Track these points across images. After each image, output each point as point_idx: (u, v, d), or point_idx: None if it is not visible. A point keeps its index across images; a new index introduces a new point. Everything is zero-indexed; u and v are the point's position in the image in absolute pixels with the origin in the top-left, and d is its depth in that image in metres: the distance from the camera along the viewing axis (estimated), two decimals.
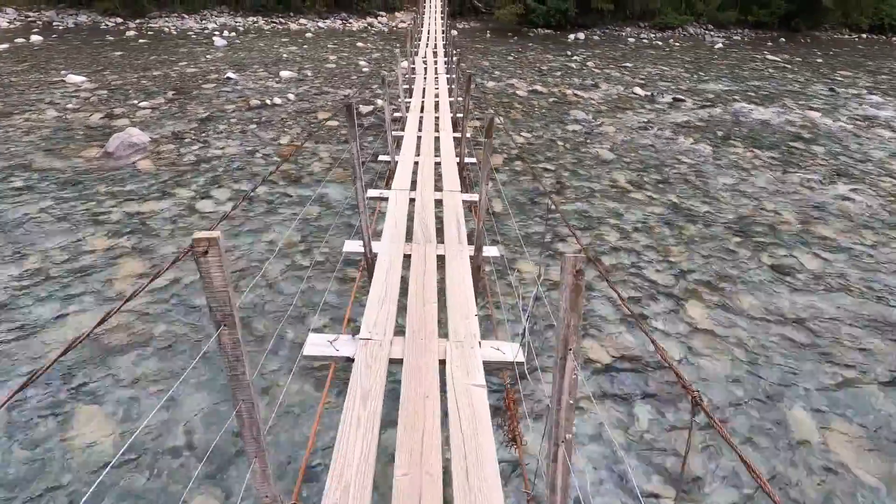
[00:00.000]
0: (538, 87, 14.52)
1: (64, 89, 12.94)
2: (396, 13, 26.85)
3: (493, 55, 19.39)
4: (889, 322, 5.69)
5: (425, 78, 11.26)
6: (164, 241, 6.65)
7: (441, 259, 3.86)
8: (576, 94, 13.99)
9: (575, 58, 19.00)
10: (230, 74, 14.44)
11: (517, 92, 14.10)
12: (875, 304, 6.00)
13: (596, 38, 23.65)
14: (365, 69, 16.15)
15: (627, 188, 8.70)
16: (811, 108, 13.56)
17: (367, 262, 3.98)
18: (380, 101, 12.49)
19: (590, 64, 17.90)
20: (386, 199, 4.86)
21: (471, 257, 3.86)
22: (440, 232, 4.49)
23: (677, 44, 22.69)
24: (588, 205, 8.07)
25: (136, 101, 12.05)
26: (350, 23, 25.11)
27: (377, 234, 4.93)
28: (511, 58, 18.95)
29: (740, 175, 9.40)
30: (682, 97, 14.02)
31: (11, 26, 22.22)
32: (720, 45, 22.38)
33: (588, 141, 10.70)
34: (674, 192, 8.64)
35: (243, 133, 10.39)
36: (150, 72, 14.88)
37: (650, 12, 25.56)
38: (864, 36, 26.43)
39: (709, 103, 13.79)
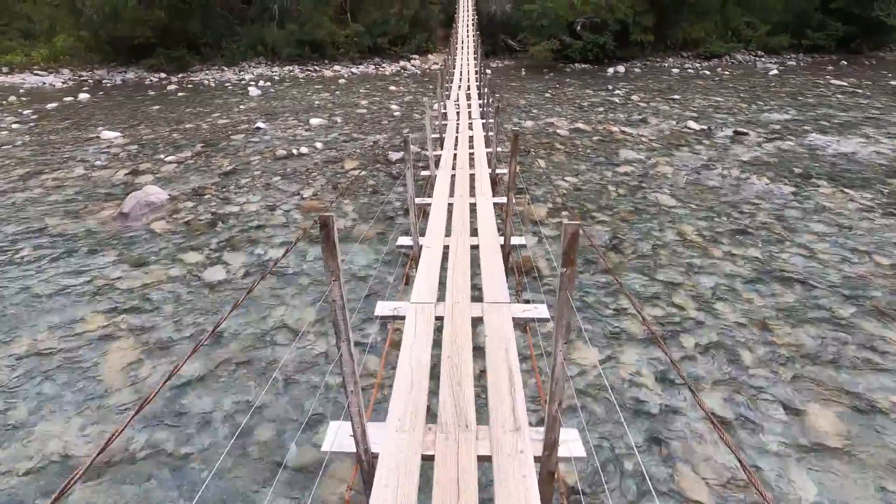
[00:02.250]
0: (580, 125, 13.49)
1: (97, 145, 12.90)
2: (429, 55, 26.81)
3: (530, 93, 18.62)
4: None
5: (458, 124, 10.38)
6: (165, 320, 5.83)
7: (486, 462, 2.37)
8: (622, 132, 12.85)
9: (617, 92, 17.96)
10: (260, 124, 14.16)
11: (558, 131, 13.10)
12: None
13: (637, 70, 22.59)
14: (396, 113, 15.63)
15: (699, 242, 7.37)
16: None
17: (362, 467, 2.51)
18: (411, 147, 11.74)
19: (634, 98, 16.79)
20: (402, 319, 3.43)
21: (537, 459, 2.33)
22: (481, 396, 2.92)
23: (726, 72, 21.30)
24: (654, 264, 6.78)
25: (163, 156, 11.76)
26: (383, 67, 25.15)
27: (383, 394, 3.57)
28: (548, 95, 18.11)
29: (834, 222, 7.89)
30: (744, 130, 12.63)
31: (64, 86, 23.35)
32: (775, 71, 20.84)
33: (644, 184, 9.47)
34: (756, 245, 7.24)
35: (266, 187, 9.75)
36: (183, 125, 14.82)
37: (693, 42, 24.39)
38: None
39: (776, 136, 12.33)
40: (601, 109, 15.47)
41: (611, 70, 22.77)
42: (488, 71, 14.40)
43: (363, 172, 10.42)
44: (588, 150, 11.50)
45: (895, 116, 13.80)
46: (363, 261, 6.78)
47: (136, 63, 25.28)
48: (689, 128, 13.07)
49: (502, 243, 4.41)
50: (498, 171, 6.91)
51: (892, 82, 18.52)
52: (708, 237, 7.49)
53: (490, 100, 9.60)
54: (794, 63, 22.64)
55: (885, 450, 4.12)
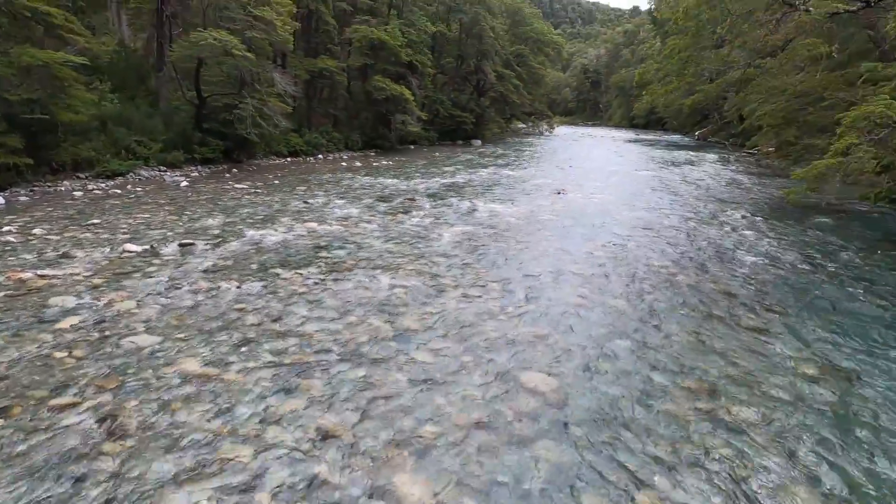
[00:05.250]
0: None
1: None
2: None
3: None
4: None
5: None
6: None
7: None
8: (41, 276, 9.81)
9: (7, 228, 13.71)
10: None
11: None
12: None
13: (24, 199, 18.21)
14: None
15: (211, 373, 6.39)
16: (308, 221, 15.07)
17: None
18: None
19: (37, 231, 13.26)
20: None
21: None
22: None
23: (139, 188, 20.69)
24: (177, 437, 5.27)
25: None
26: None
27: None
28: None
29: (311, 308, 8.81)
30: (189, 241, 12.47)
31: None
32: (185, 183, 22.10)
33: (108, 332, 7.43)
34: (266, 357, 7.03)
35: None
36: None
37: (86, 162, 22.22)
38: (288, 160, 33.08)
39: (219, 240, 12.88)
40: None
41: None
42: None
43: None
44: None
45: (292, 206, 17.49)
46: None
47: None
48: (129, 251, 11.57)
49: None
50: None
51: (276, 181, 23.61)
52: (217, 363, 6.64)
53: None
54: (198, 174, 24.89)
55: None
